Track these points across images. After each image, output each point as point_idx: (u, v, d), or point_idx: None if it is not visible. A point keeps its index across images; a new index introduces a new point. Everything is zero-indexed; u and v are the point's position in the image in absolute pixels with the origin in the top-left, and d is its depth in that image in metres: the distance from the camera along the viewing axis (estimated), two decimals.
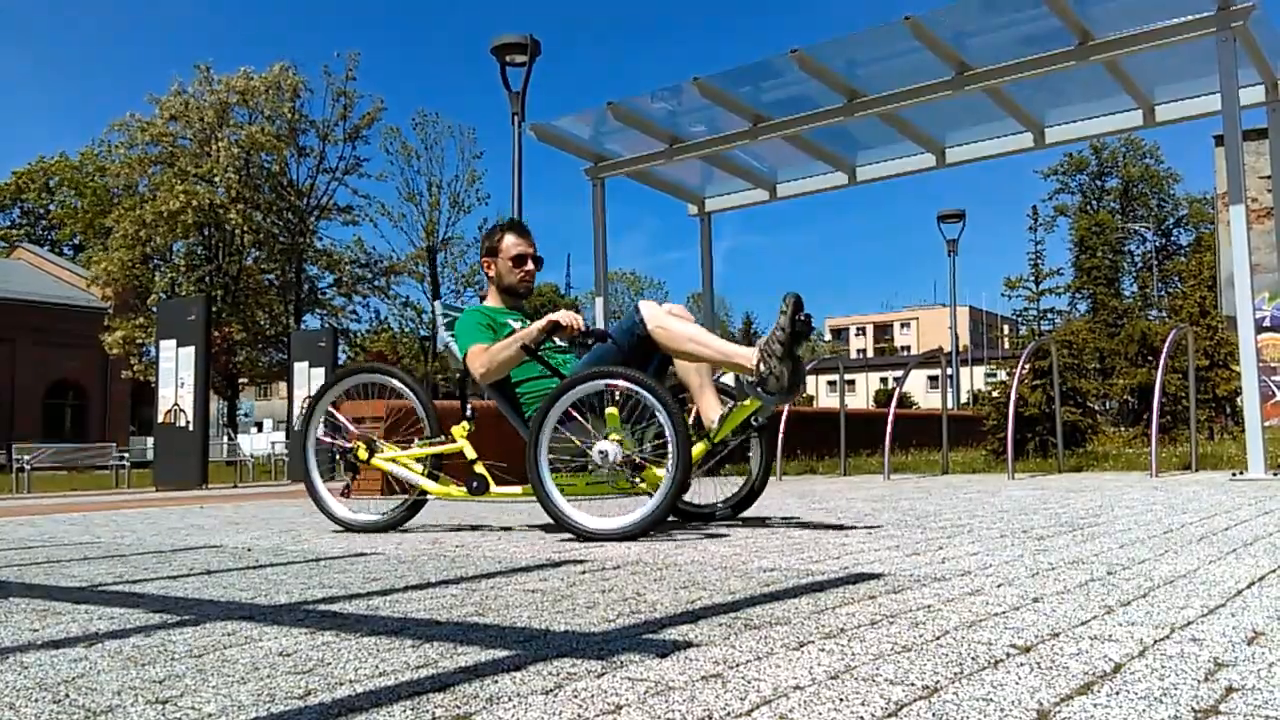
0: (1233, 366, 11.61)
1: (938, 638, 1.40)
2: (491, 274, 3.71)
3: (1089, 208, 51.40)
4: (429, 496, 3.56)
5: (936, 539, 2.75)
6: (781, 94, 7.40)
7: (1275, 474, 5.55)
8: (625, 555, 2.56)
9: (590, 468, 3.07)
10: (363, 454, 3.59)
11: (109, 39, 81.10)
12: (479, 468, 3.42)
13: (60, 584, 2.28)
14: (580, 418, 3.07)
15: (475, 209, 38.33)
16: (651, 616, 1.64)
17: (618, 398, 3.00)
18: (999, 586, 1.87)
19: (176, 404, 12.58)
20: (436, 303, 3.84)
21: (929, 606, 1.67)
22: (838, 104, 7.17)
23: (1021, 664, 1.23)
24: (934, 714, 1.03)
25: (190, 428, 12.43)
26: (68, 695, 1.20)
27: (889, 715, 1.03)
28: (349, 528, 3.57)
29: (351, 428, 3.76)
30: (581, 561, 2.44)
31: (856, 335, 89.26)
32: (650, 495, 2.98)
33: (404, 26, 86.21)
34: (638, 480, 2.98)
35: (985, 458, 8.83)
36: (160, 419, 12.86)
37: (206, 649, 1.46)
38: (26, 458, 16.45)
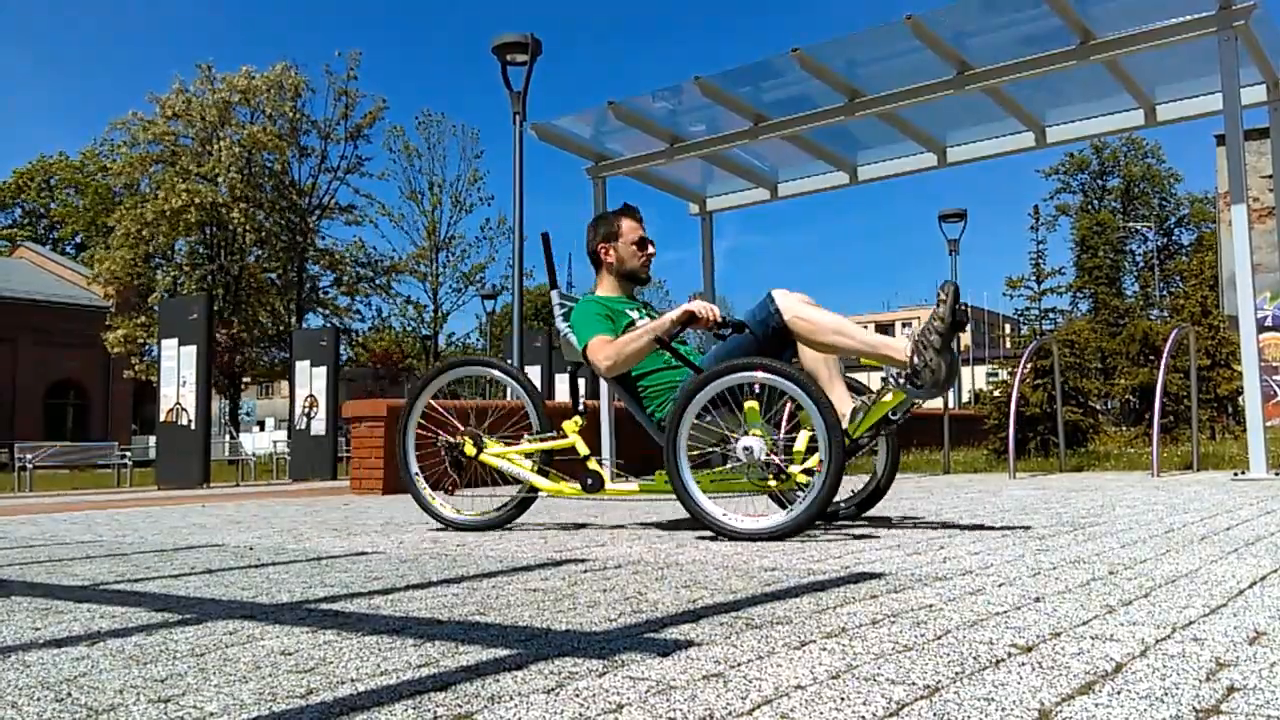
0: (1234, 366, 11.60)
1: (939, 637, 1.41)
2: (610, 260, 3.55)
3: (1090, 207, 51.37)
4: (538, 494, 3.46)
5: (938, 539, 2.75)
6: (782, 93, 7.39)
7: (1277, 474, 5.54)
8: (627, 555, 2.56)
9: (729, 464, 2.92)
10: (470, 450, 3.50)
11: (109, 39, 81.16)
12: (592, 464, 3.32)
13: (62, 583, 2.28)
14: (713, 412, 2.95)
15: (477, 209, 38.32)
16: (653, 616, 1.64)
17: (757, 390, 2.87)
18: (1000, 586, 1.87)
19: (178, 403, 12.58)
20: (554, 291, 3.66)
21: (930, 606, 1.67)
22: (838, 103, 7.17)
23: (1023, 663, 1.23)
24: (935, 713, 1.03)
25: (192, 426, 12.44)
26: (70, 694, 1.20)
27: (890, 715, 1.03)
28: (454, 527, 3.48)
29: (457, 423, 3.63)
30: (583, 561, 2.45)
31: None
32: (777, 494, 2.87)
33: (404, 26, 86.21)
34: (784, 478, 2.84)
35: (986, 457, 8.83)
36: (162, 418, 12.87)
37: (208, 648, 1.46)
38: (28, 457, 16.45)
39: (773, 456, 2.84)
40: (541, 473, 3.44)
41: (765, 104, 7.46)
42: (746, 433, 2.87)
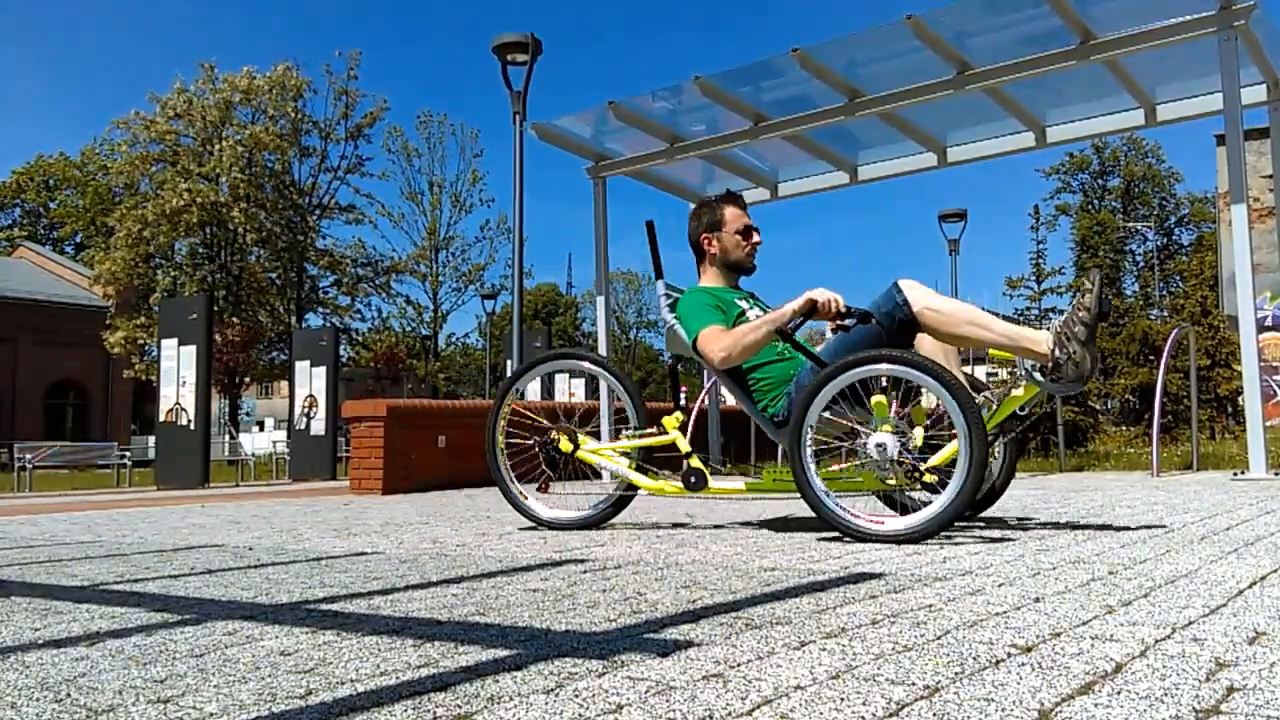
0: (1234, 366, 11.61)
1: (939, 637, 1.40)
2: (713, 250, 3.40)
3: (1090, 207, 51.37)
4: (636, 492, 3.37)
5: (937, 539, 2.74)
6: (782, 93, 7.39)
7: (1277, 474, 5.54)
8: (626, 555, 2.56)
9: (854, 462, 2.80)
10: (565, 446, 3.38)
11: (109, 38, 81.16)
12: (694, 461, 3.21)
13: (62, 583, 2.28)
14: (832, 407, 2.80)
15: (477, 209, 38.34)
16: (652, 616, 1.64)
17: (884, 384, 2.72)
18: (1000, 586, 1.87)
19: (178, 403, 12.58)
20: (660, 281, 3.49)
21: (930, 606, 1.67)
22: (839, 103, 7.17)
23: (1023, 664, 1.23)
24: (935, 714, 1.03)
25: (192, 427, 12.44)
26: (69, 694, 1.20)
27: (890, 715, 1.03)
28: (548, 526, 3.39)
29: (543, 419, 3.52)
30: (583, 561, 2.44)
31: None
32: (899, 492, 2.75)
33: (404, 26, 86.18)
34: (916, 477, 2.69)
35: None
36: (162, 418, 12.87)
37: (208, 648, 1.46)
38: (28, 457, 16.45)
39: (905, 455, 2.69)
40: (640, 470, 3.34)
41: (765, 104, 7.46)
42: (875, 429, 2.73)
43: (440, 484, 6.88)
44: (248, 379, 30.58)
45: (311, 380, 14.87)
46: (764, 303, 3.47)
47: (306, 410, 14.74)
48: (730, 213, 3.41)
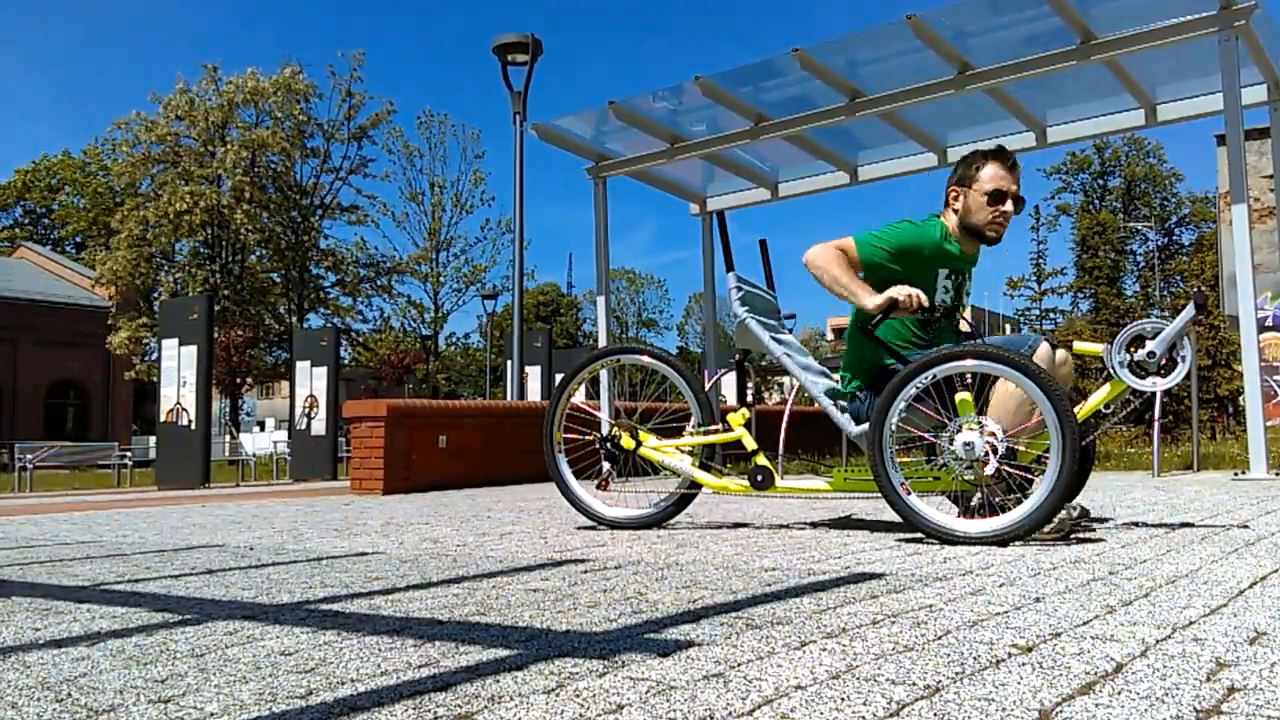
0: (1235, 366, 11.59)
1: (939, 637, 1.40)
2: (956, 206, 3.07)
3: (1091, 207, 51.34)
4: (699, 490, 3.29)
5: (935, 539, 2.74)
6: (783, 93, 7.40)
7: (1277, 474, 5.54)
8: (627, 555, 2.56)
9: (937, 460, 2.71)
10: (627, 442, 3.29)
11: (109, 38, 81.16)
12: (761, 459, 3.13)
13: (62, 583, 2.28)
14: (919, 405, 2.72)
15: (478, 209, 38.36)
16: (653, 616, 1.64)
17: (967, 380, 2.65)
18: (1001, 586, 1.87)
19: (179, 403, 12.58)
20: (731, 274, 3.36)
21: (931, 606, 1.67)
22: (839, 103, 7.17)
23: (1023, 664, 1.23)
24: (935, 714, 1.03)
25: (192, 427, 12.44)
26: (70, 694, 1.20)
27: (891, 715, 1.03)
28: (609, 525, 3.31)
29: (601, 415, 3.46)
30: (583, 561, 2.44)
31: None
32: (955, 494, 2.70)
33: (405, 26, 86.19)
34: (1005, 476, 2.59)
35: None
36: (162, 418, 12.87)
37: (208, 648, 1.46)
38: (29, 456, 16.46)
39: (989, 455, 2.60)
40: (704, 468, 3.26)
41: (766, 104, 7.47)
42: (961, 428, 2.64)
43: (441, 484, 6.88)
44: (249, 379, 30.60)
45: (312, 380, 14.87)
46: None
47: (307, 410, 14.75)
48: (988, 172, 3.04)
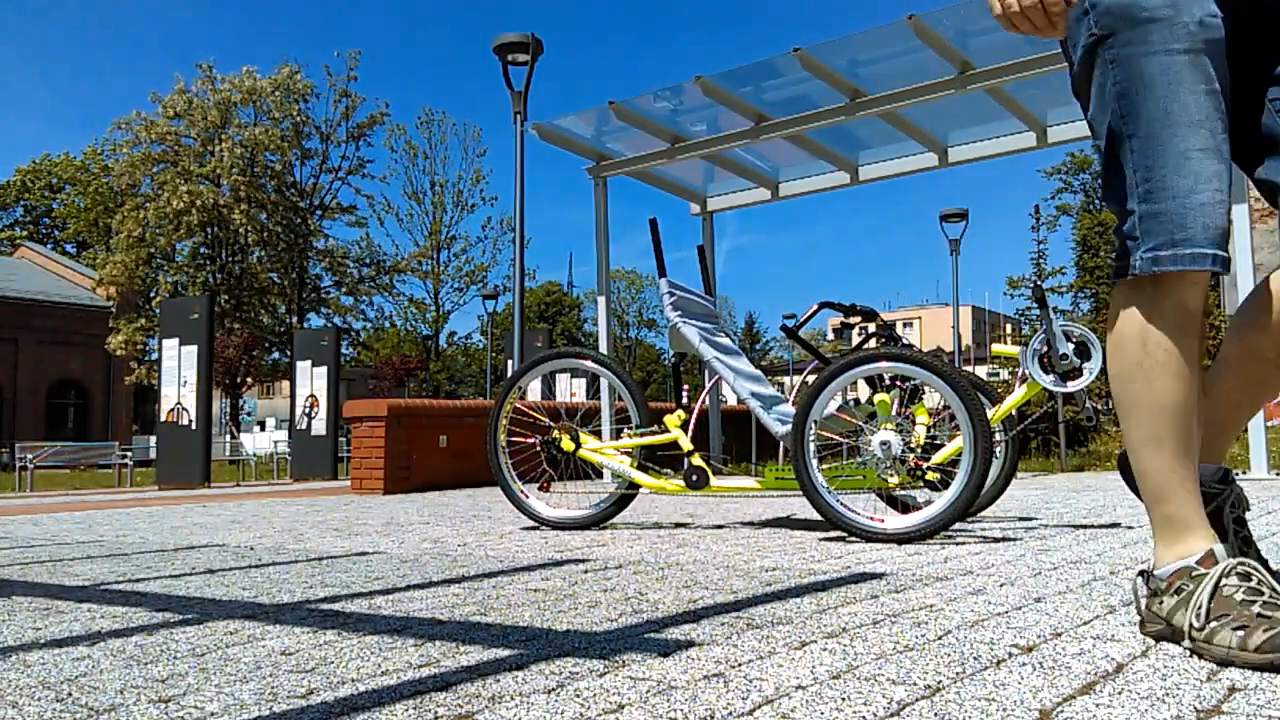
0: None
1: (940, 637, 1.40)
2: None
3: (1092, 207, 51.33)
4: (638, 491, 3.37)
5: (938, 539, 2.74)
6: (783, 93, 7.39)
7: (1277, 474, 5.54)
8: (627, 555, 2.56)
9: (856, 459, 2.79)
10: (567, 445, 3.39)
11: (109, 39, 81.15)
12: (696, 460, 3.24)
13: (63, 583, 2.28)
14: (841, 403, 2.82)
15: (479, 208, 38.35)
16: (654, 616, 1.64)
17: (887, 382, 2.74)
18: (1001, 586, 1.87)
19: (179, 403, 12.59)
20: (663, 280, 3.48)
21: (931, 606, 1.67)
22: (840, 103, 7.17)
23: (1024, 664, 1.23)
24: (936, 714, 1.02)
25: (193, 426, 12.44)
26: (70, 694, 1.20)
27: (891, 715, 1.03)
28: (550, 525, 3.38)
29: (545, 418, 3.52)
30: (584, 561, 2.44)
31: (858, 334, 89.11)
32: (886, 494, 2.76)
33: (405, 26, 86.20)
34: (919, 475, 2.69)
35: None
36: (163, 418, 12.88)
37: (209, 648, 1.46)
38: (29, 456, 16.46)
39: (908, 453, 2.70)
40: (642, 469, 3.35)
41: (766, 104, 7.47)
42: (879, 427, 2.72)
43: (441, 484, 6.88)
44: (249, 379, 30.61)
45: (313, 380, 14.88)
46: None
47: (308, 410, 14.75)
48: None
